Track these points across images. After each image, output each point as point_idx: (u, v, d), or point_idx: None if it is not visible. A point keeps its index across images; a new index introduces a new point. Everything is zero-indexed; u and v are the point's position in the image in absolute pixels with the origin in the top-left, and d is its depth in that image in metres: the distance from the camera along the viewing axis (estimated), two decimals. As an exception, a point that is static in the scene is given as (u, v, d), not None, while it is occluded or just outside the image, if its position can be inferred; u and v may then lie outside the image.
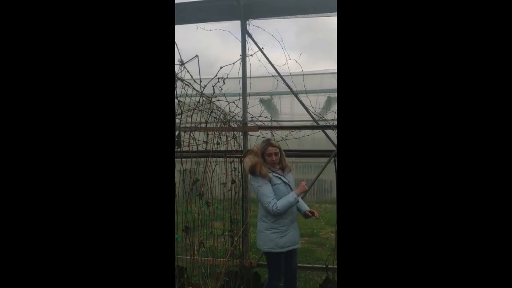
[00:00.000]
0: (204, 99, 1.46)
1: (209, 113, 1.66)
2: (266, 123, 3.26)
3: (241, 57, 2.69)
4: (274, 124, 3.72)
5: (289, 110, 5.02)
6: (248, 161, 1.89)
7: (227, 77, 1.86)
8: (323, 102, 4.90)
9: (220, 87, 1.75)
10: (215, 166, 1.82)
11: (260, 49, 2.63)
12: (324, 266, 2.36)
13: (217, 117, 1.91)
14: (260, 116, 2.88)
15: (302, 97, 2.69)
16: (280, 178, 1.85)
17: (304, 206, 1.97)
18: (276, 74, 2.62)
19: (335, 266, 2.30)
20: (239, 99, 2.55)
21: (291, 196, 1.80)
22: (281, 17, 2.80)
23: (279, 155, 1.88)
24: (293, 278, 2.01)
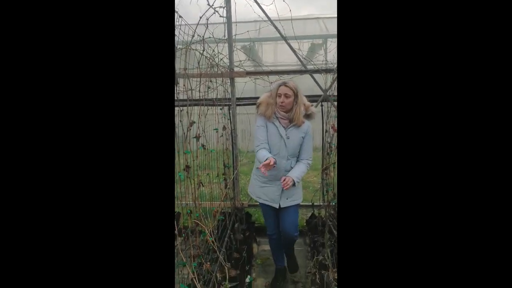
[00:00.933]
0: (197, 37, 1.40)
1: (201, 52, 1.61)
2: (253, 69, 3.20)
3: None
4: (261, 69, 3.65)
5: (272, 57, 4.90)
6: (263, 98, 1.73)
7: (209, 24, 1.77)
8: (306, 49, 4.80)
9: (208, 30, 1.67)
10: (207, 110, 1.81)
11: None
12: (310, 203, 2.55)
13: (208, 60, 1.85)
14: (246, 61, 2.81)
15: (285, 44, 2.62)
16: (277, 129, 1.66)
17: (293, 173, 1.65)
18: (259, 19, 2.51)
19: (320, 204, 2.50)
20: (224, 45, 2.45)
21: (261, 157, 1.57)
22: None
23: (291, 99, 1.63)
24: (285, 241, 1.83)
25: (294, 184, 1.62)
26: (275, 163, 1.51)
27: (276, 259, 1.98)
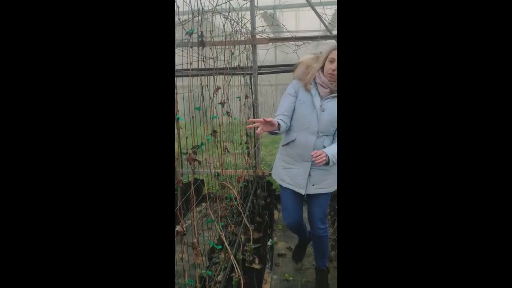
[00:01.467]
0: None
1: (226, 17, 1.58)
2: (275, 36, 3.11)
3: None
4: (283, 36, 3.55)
5: (294, 24, 4.72)
6: (305, 59, 1.43)
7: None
8: (330, 15, 4.57)
9: None
10: (230, 78, 1.81)
11: None
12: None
13: (232, 24, 1.82)
14: (268, 26, 2.74)
15: (307, 10, 2.51)
16: (311, 98, 1.34)
17: (329, 150, 1.28)
18: None
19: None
20: (246, 12, 2.39)
21: (282, 129, 1.32)
22: None
23: None
24: (313, 238, 1.58)
25: (328, 163, 1.26)
26: (278, 127, 1.26)
27: (293, 254, 1.76)
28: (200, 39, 1.14)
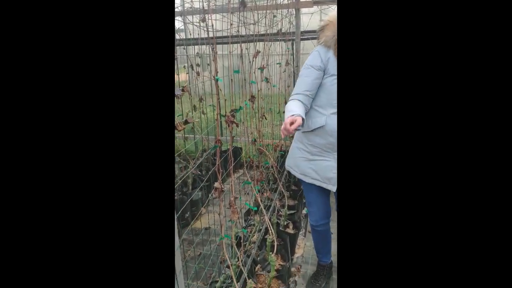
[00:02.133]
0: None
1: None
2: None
3: None
4: None
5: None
6: (331, 17, 1.11)
7: None
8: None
9: None
10: (271, 44, 1.76)
11: None
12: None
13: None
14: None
15: None
16: None
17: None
18: None
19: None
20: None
21: (288, 112, 1.01)
22: None
23: None
24: (328, 238, 1.40)
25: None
26: (302, 124, 0.96)
27: (319, 254, 1.47)
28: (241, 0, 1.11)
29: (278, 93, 2.12)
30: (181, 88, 0.75)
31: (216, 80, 0.93)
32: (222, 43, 2.41)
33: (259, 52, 1.44)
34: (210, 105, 2.46)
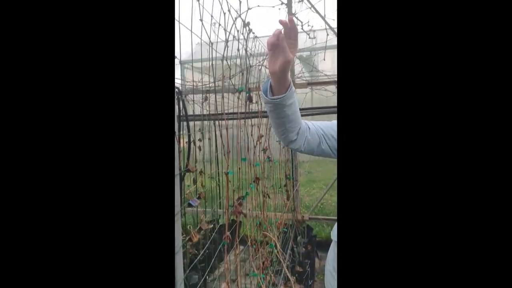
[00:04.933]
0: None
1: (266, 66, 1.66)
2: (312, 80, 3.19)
3: (287, 12, 2.57)
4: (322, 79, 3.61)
5: (330, 64, 4.82)
6: None
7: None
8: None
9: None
10: (270, 125, 1.85)
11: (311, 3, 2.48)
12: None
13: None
14: (305, 72, 2.81)
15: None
16: None
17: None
18: (319, 28, 2.50)
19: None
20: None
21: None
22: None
23: None
24: None
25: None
26: (289, 86, 0.74)
27: None
28: (248, 94, 1.19)
29: (279, 168, 2.14)
30: (197, 196, 0.74)
31: (227, 174, 0.94)
32: (221, 119, 2.51)
33: (262, 136, 1.50)
34: (209, 177, 2.43)
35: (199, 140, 2.64)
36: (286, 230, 2.14)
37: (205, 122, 2.75)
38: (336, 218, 2.54)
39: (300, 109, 2.53)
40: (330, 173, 4.66)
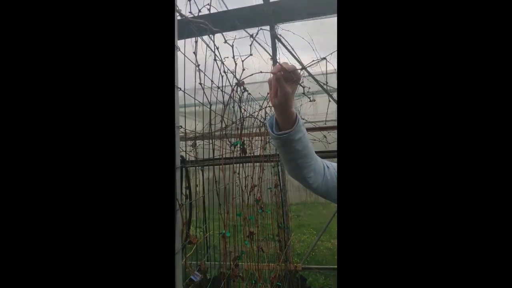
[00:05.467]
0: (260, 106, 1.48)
1: (256, 117, 1.68)
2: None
3: (272, 60, 2.71)
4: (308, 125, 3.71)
5: (312, 109, 5.00)
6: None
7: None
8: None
9: (259, 93, 1.77)
10: (263, 171, 1.83)
11: (292, 53, 2.64)
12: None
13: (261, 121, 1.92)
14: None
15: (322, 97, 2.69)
16: None
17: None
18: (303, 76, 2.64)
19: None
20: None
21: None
22: (307, 19, 2.81)
23: None
24: None
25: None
26: (296, 118, 0.71)
27: None
28: (242, 147, 1.18)
29: (271, 218, 2.07)
30: (196, 270, 0.68)
31: (224, 235, 0.88)
32: (213, 164, 2.48)
33: (256, 186, 1.46)
34: (199, 227, 2.35)
35: (186, 187, 2.56)
36: (280, 284, 2.01)
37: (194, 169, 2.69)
38: (329, 267, 2.41)
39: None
40: (320, 216, 4.58)
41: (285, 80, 0.65)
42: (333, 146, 2.60)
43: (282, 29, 2.74)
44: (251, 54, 0.96)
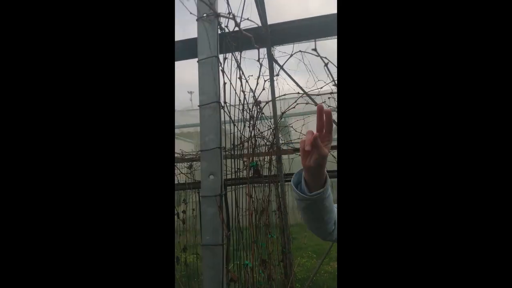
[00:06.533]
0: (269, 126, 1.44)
1: (265, 138, 1.64)
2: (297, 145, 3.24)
3: (269, 81, 2.72)
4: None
5: (305, 129, 5.05)
6: None
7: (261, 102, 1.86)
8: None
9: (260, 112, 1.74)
10: (269, 192, 1.76)
11: (288, 74, 2.67)
12: None
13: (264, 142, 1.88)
14: (286, 140, 2.86)
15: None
16: None
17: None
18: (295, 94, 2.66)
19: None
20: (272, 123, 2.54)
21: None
22: (301, 41, 2.87)
23: None
24: None
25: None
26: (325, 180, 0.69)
27: None
28: (255, 168, 1.13)
29: (276, 242, 1.98)
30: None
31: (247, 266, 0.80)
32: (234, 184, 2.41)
33: (264, 209, 1.39)
34: (193, 254, 2.24)
35: (183, 212, 2.45)
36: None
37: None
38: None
39: (289, 174, 2.50)
40: (316, 238, 4.47)
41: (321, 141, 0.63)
42: (334, 166, 2.57)
43: (279, 51, 2.77)
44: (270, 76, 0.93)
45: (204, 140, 0.54)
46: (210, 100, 0.55)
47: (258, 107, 1.08)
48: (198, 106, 0.57)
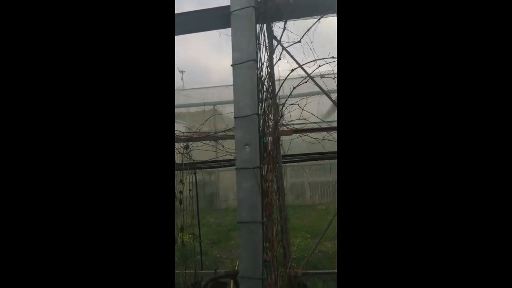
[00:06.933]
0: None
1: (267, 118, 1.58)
2: (296, 126, 3.21)
3: (268, 61, 2.63)
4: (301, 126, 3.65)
5: (299, 113, 5.00)
6: None
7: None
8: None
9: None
10: (272, 173, 1.73)
11: (288, 52, 2.58)
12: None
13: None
14: (284, 120, 2.81)
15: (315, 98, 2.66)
16: None
17: None
18: (298, 76, 2.58)
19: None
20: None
21: None
22: (304, 18, 2.76)
23: None
24: None
25: None
26: None
27: None
28: (265, 143, 1.07)
29: (277, 222, 1.97)
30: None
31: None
32: (205, 167, 2.36)
33: (273, 190, 1.36)
34: (190, 234, 2.26)
35: (180, 192, 2.41)
36: (286, 292, 1.91)
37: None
38: (327, 271, 2.37)
39: (288, 156, 2.44)
40: (309, 219, 4.55)
41: None
42: (333, 147, 2.55)
43: (279, 27, 2.67)
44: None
45: (238, 105, 0.48)
46: (246, 58, 0.49)
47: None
48: (231, 65, 0.51)
